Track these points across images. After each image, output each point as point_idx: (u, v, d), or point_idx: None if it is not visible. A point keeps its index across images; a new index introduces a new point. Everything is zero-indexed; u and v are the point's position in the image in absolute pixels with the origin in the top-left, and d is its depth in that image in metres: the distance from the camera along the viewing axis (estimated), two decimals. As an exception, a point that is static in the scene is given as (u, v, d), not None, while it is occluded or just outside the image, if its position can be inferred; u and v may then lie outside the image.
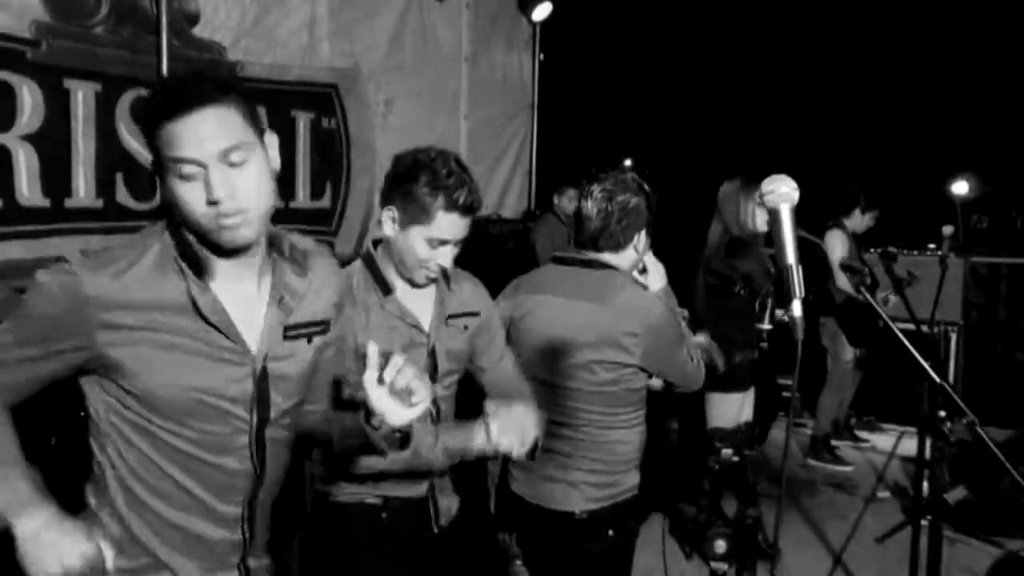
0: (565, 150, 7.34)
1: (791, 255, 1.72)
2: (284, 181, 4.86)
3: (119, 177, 4.01)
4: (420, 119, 5.93)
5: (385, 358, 1.57)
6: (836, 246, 5.63)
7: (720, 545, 2.19)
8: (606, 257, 2.61)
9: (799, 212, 1.77)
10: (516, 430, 1.97)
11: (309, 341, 1.73)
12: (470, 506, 2.53)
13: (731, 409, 3.93)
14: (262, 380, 1.64)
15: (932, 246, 6.27)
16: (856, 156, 8.07)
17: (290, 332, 1.69)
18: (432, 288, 2.30)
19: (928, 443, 2.61)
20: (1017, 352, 7.35)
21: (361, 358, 1.62)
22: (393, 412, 1.59)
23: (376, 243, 2.35)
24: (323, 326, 1.77)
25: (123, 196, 4.03)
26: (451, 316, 2.33)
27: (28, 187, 3.64)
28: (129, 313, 1.52)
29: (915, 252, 6.30)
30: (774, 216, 1.76)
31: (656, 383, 2.74)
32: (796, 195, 1.75)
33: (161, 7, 3.96)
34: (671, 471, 4.41)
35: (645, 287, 2.69)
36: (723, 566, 2.23)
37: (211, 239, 1.54)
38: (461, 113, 6.45)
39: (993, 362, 7.08)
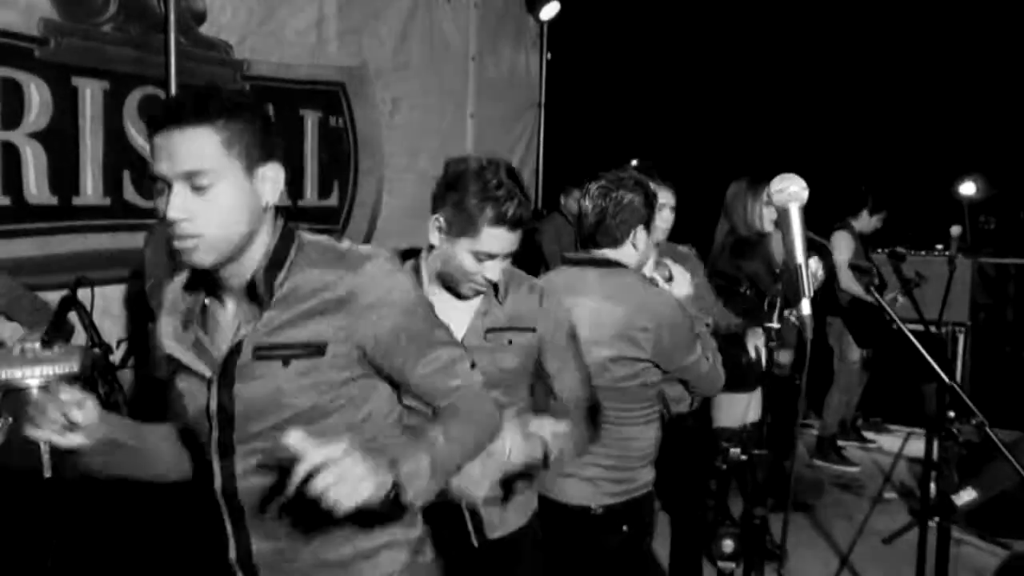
0: (572, 149, 7.33)
1: (800, 254, 1.71)
2: (292, 179, 4.87)
3: (126, 175, 4.02)
4: (427, 118, 5.94)
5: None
6: (842, 247, 5.62)
7: (728, 545, 2.18)
8: (607, 253, 2.63)
9: (806, 213, 1.77)
10: (480, 474, 1.87)
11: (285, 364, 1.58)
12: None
13: (737, 409, 3.92)
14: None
15: (940, 247, 6.26)
16: (864, 157, 8.04)
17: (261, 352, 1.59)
18: (479, 298, 2.19)
19: (936, 443, 2.60)
20: (1024, 353, 7.33)
21: None
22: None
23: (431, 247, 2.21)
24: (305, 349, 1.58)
25: (131, 194, 4.04)
26: (492, 330, 2.18)
27: (36, 185, 3.66)
28: None
29: (923, 253, 6.28)
30: (783, 215, 1.75)
31: (681, 405, 2.77)
32: (805, 194, 1.75)
33: (169, 6, 3.97)
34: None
35: (657, 285, 2.72)
36: (730, 565, 2.22)
37: None
38: (468, 112, 6.45)
39: (1000, 363, 7.06)
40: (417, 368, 1.62)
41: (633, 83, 8.33)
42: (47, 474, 2.64)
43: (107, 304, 3.83)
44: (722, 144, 7.87)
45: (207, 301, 1.66)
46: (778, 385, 5.01)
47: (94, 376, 2.82)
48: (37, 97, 3.63)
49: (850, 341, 5.87)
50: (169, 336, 1.67)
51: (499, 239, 2.05)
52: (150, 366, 3.78)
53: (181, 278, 1.69)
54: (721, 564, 2.23)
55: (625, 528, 2.62)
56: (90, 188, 3.86)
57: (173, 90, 3.97)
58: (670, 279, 2.79)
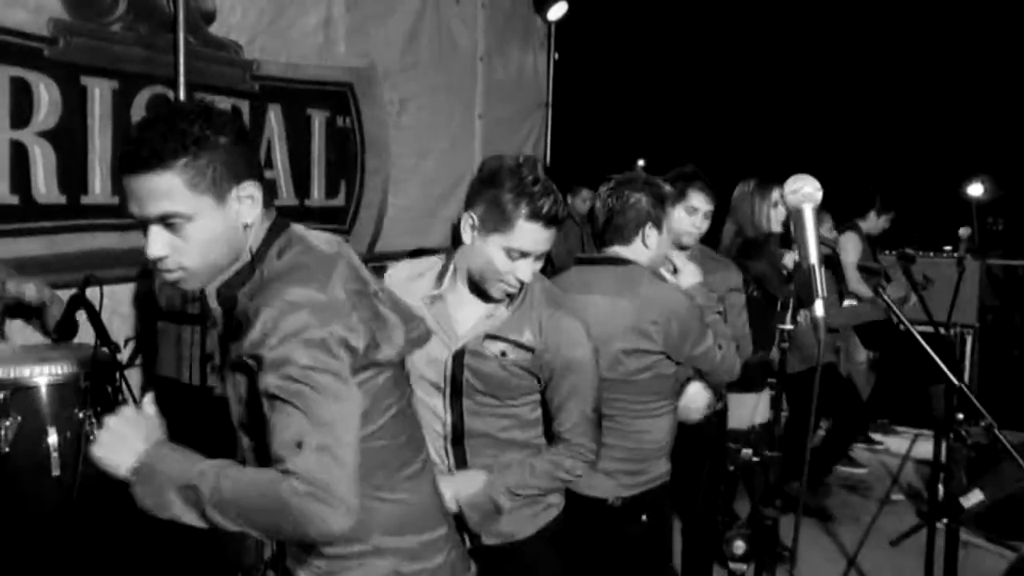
0: (579, 149, 7.33)
1: (813, 255, 1.71)
2: (299, 179, 4.88)
3: (135, 175, 4.02)
4: (435, 118, 5.93)
5: None
6: (849, 248, 5.60)
7: (739, 546, 2.18)
8: (618, 251, 2.69)
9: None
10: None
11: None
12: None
13: (745, 410, 3.92)
14: None
15: (948, 248, 6.24)
16: (872, 158, 8.03)
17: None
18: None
19: (944, 445, 2.60)
20: (1032, 355, 7.30)
21: None
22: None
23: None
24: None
25: (139, 194, 4.04)
26: (491, 336, 2.14)
27: (45, 184, 3.66)
28: None
29: (931, 254, 6.26)
30: (796, 216, 1.75)
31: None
32: (819, 195, 1.75)
33: (178, 5, 3.97)
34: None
35: (665, 280, 2.77)
36: (742, 567, 2.22)
37: None
38: (476, 112, 6.45)
39: (1008, 365, 7.04)
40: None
41: (640, 83, 8.34)
42: (55, 472, 2.65)
43: (115, 303, 3.84)
44: (729, 144, 7.86)
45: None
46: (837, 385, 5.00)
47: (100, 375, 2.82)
48: (46, 96, 3.63)
49: (857, 342, 5.85)
50: None
51: (533, 235, 2.03)
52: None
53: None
54: (733, 565, 2.23)
55: (644, 518, 2.67)
56: (98, 187, 3.86)
57: (182, 90, 3.97)
58: (676, 271, 2.85)
